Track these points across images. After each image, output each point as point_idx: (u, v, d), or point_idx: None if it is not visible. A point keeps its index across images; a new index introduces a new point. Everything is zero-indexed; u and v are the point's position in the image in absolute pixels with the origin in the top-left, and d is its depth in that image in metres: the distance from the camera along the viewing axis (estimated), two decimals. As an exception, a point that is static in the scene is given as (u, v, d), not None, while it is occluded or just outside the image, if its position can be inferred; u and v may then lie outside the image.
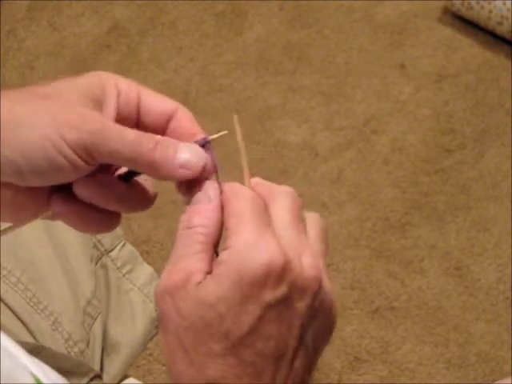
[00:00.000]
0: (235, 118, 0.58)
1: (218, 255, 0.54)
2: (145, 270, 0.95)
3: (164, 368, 1.45)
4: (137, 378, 1.18)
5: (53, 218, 0.59)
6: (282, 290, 0.51)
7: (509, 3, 1.72)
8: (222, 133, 0.59)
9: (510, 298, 1.49)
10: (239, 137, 0.57)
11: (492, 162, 1.65)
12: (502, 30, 1.77)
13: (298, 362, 0.53)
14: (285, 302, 0.52)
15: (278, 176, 1.64)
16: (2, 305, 0.83)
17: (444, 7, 1.86)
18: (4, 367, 0.42)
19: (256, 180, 0.56)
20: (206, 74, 1.80)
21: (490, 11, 1.75)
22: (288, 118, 1.73)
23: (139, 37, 1.87)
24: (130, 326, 0.93)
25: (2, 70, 1.83)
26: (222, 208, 0.55)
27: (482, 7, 1.76)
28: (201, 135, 0.59)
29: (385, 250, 1.56)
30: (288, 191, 0.56)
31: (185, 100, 1.73)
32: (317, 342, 0.55)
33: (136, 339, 0.93)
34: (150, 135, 0.56)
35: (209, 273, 0.52)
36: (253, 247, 0.51)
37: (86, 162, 0.55)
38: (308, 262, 0.53)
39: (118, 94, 0.58)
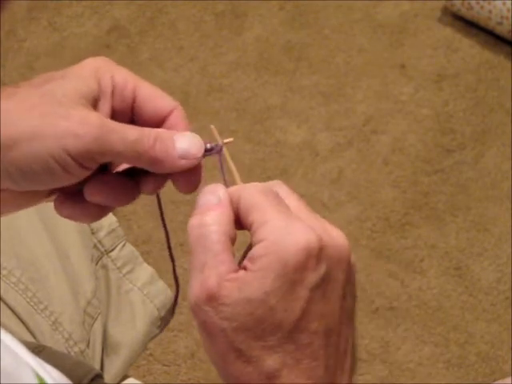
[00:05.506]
0: (213, 128, 0.58)
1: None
2: (145, 270, 0.95)
3: (164, 368, 1.45)
4: (137, 378, 1.18)
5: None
6: (323, 268, 0.51)
7: (509, 3, 1.72)
8: (228, 139, 0.59)
9: (509, 298, 1.49)
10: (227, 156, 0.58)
11: (492, 162, 1.65)
12: (502, 30, 1.77)
13: (344, 329, 0.53)
14: (327, 277, 0.52)
15: (278, 176, 1.64)
16: (3, 305, 0.83)
17: (444, 7, 1.86)
18: (5, 364, 0.42)
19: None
20: (206, 74, 1.80)
21: (490, 11, 1.75)
22: (288, 118, 1.73)
23: (139, 37, 1.87)
24: (130, 327, 0.93)
25: (1, 71, 1.83)
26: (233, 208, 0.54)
27: (482, 7, 1.76)
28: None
29: (385, 249, 1.55)
30: (276, 181, 0.56)
31: (185, 100, 1.73)
32: (352, 301, 0.55)
33: (136, 339, 0.93)
34: (148, 131, 0.56)
35: (236, 269, 0.52)
36: (288, 233, 0.51)
37: (87, 168, 0.55)
38: (335, 232, 0.53)
39: (113, 90, 0.58)
